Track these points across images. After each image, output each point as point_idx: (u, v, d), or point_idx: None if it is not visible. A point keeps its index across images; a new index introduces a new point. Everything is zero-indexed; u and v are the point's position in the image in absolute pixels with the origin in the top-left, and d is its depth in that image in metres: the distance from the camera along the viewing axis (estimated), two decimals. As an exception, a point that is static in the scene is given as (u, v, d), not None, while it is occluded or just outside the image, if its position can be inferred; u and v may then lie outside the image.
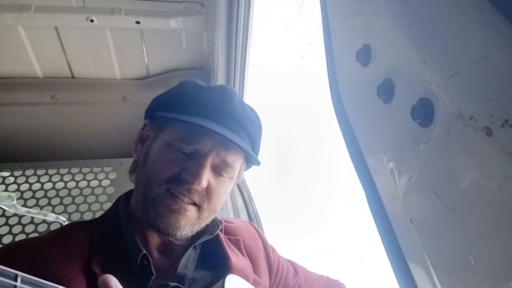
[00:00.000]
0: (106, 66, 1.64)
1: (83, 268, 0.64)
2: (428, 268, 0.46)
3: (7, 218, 1.50)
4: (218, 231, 0.80)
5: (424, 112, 0.43)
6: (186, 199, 0.69)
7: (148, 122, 0.80)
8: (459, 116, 0.37)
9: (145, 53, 1.64)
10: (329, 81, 0.69)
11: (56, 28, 1.47)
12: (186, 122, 0.68)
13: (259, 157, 0.80)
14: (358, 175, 0.61)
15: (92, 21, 1.43)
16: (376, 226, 0.57)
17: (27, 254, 0.63)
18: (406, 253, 0.52)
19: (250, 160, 0.79)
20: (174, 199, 0.68)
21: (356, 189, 0.65)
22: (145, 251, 0.67)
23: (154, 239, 0.73)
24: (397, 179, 0.50)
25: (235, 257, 0.81)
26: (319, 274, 1.09)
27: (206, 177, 0.69)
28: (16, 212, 1.51)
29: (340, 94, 0.67)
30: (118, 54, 1.61)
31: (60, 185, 1.67)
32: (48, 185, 1.66)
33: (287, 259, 1.03)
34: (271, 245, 0.98)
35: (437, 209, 0.42)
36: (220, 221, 0.83)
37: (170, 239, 0.73)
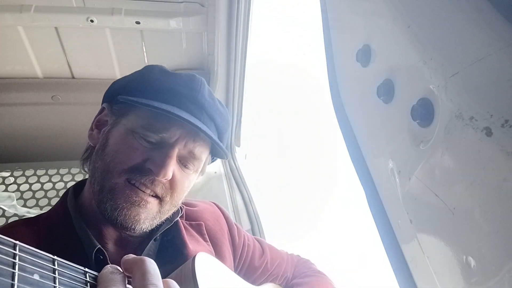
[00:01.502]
0: (106, 66, 1.64)
1: None
2: (428, 268, 0.46)
3: (7, 218, 1.50)
4: (178, 218, 0.76)
5: (424, 112, 0.43)
6: (148, 191, 0.64)
7: (106, 106, 0.74)
8: (459, 116, 0.37)
9: (145, 53, 1.64)
10: (329, 81, 0.69)
11: (56, 28, 1.47)
12: (155, 108, 0.63)
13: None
14: (358, 175, 0.61)
15: (92, 21, 1.43)
16: (376, 226, 0.57)
17: None
18: (406, 253, 0.52)
19: (215, 153, 0.76)
20: (135, 190, 0.63)
21: (356, 189, 0.65)
22: (99, 246, 0.62)
23: (110, 232, 0.68)
24: (397, 179, 0.50)
25: (195, 244, 0.77)
26: (289, 253, 1.05)
27: (172, 168, 0.65)
28: (16, 212, 1.52)
29: (340, 94, 0.67)
30: (118, 54, 1.61)
31: (60, 185, 1.67)
32: (48, 185, 1.66)
33: (254, 237, 0.99)
34: (236, 224, 0.93)
35: (437, 209, 0.42)
36: (181, 207, 0.79)
37: (128, 232, 0.69)
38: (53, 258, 0.36)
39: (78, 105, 1.70)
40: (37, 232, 0.65)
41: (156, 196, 0.66)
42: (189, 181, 0.72)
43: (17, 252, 0.32)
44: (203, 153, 0.71)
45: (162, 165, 0.63)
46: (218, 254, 0.82)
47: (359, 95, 0.61)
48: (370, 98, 0.55)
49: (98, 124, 0.75)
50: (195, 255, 0.62)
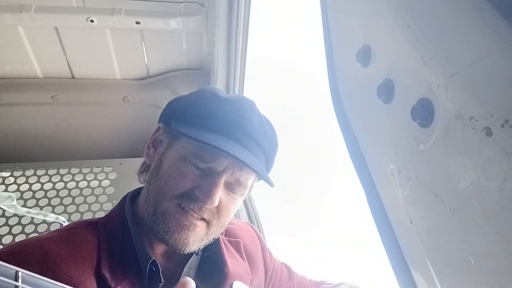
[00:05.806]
0: (106, 66, 1.64)
1: (93, 272, 0.64)
2: (428, 268, 0.46)
3: (7, 218, 1.50)
4: (219, 234, 0.79)
5: (424, 113, 0.43)
6: (196, 215, 0.68)
7: (162, 127, 0.77)
8: (459, 116, 0.37)
9: (145, 53, 1.64)
10: (329, 81, 0.69)
11: (56, 28, 1.47)
12: (202, 142, 0.66)
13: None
14: (358, 175, 0.61)
15: (92, 21, 1.43)
16: (376, 226, 0.57)
17: (36, 255, 0.61)
18: (406, 253, 0.52)
19: (262, 177, 0.78)
20: (185, 214, 0.67)
21: (356, 189, 0.65)
22: (154, 258, 0.68)
23: (159, 244, 0.73)
24: (397, 179, 0.50)
25: (233, 262, 0.81)
26: (315, 280, 1.10)
27: (218, 196, 0.68)
28: (16, 212, 1.52)
29: (340, 94, 0.67)
30: (118, 54, 1.61)
31: (60, 185, 1.67)
32: (48, 185, 1.66)
33: (282, 262, 1.04)
34: (268, 248, 0.98)
35: (437, 209, 0.42)
36: None
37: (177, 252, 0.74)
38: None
39: (78, 105, 1.70)
40: (98, 236, 0.70)
41: (203, 219, 0.70)
42: (235, 205, 0.75)
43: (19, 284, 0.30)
44: (249, 180, 0.73)
45: (209, 194, 0.67)
46: (254, 272, 0.87)
47: (359, 95, 0.61)
48: (370, 98, 0.55)
49: (154, 143, 0.78)
50: (232, 284, 0.66)
